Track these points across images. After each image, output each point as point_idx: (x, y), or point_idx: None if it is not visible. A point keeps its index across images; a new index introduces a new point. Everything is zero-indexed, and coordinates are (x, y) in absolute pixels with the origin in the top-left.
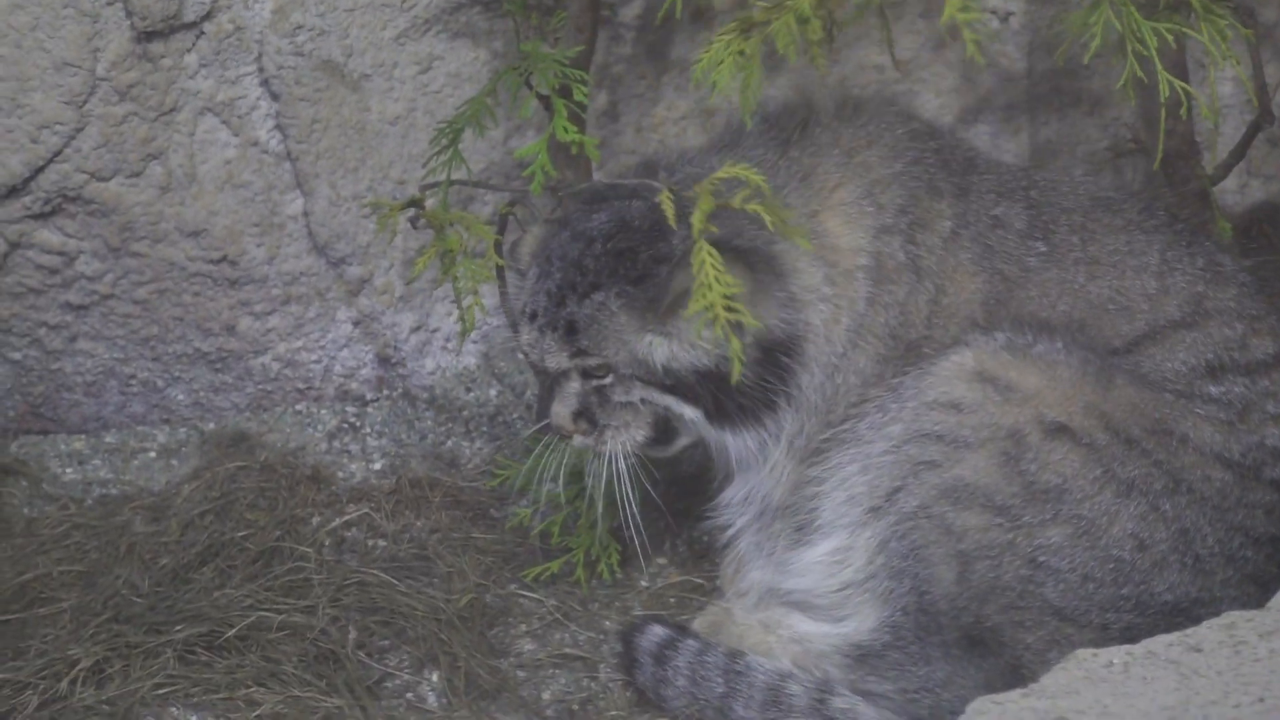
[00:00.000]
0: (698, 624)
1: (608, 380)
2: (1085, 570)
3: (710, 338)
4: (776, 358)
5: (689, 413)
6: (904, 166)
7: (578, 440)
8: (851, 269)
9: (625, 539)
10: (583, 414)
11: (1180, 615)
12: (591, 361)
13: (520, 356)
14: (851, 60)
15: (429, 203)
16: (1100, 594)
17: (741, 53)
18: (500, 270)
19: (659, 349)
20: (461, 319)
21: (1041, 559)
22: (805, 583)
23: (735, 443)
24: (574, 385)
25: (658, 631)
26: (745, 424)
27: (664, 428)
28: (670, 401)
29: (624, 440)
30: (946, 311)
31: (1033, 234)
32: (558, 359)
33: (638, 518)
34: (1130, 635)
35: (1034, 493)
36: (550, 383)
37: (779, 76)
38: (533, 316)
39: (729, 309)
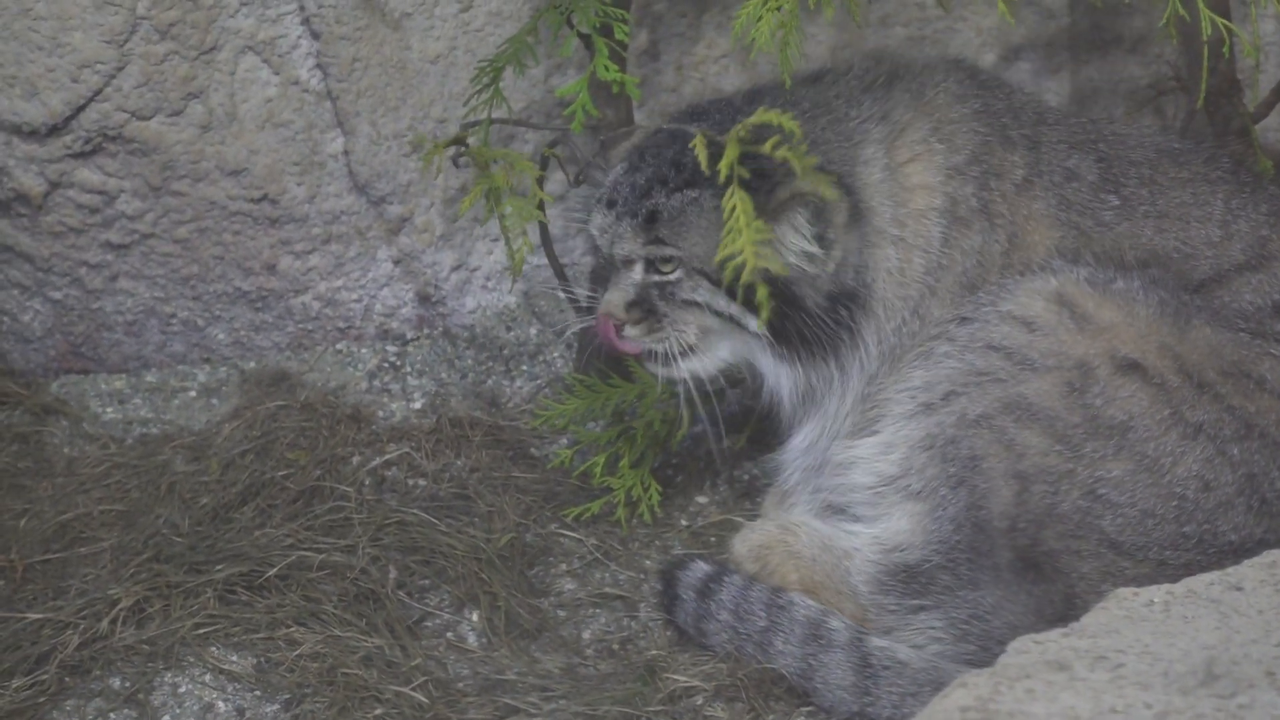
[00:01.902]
0: (737, 546)
1: (673, 276)
2: (1145, 506)
3: (797, 246)
4: (848, 294)
5: (753, 324)
6: (974, 112)
7: (628, 330)
8: (924, 209)
9: (666, 479)
10: (638, 304)
11: (1244, 555)
12: (665, 252)
13: (589, 241)
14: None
15: (470, 142)
16: (1160, 530)
17: (779, 8)
18: (542, 205)
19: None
20: (511, 257)
21: (1101, 491)
22: (845, 480)
23: (790, 379)
24: (635, 276)
25: (702, 567)
26: (806, 357)
27: (719, 340)
28: (735, 310)
29: (677, 337)
30: (1020, 265)
31: (1105, 187)
32: (630, 245)
33: (717, 417)
34: (1190, 573)
35: (1097, 426)
36: (611, 273)
37: (818, 28)
38: (611, 204)
39: (758, 255)
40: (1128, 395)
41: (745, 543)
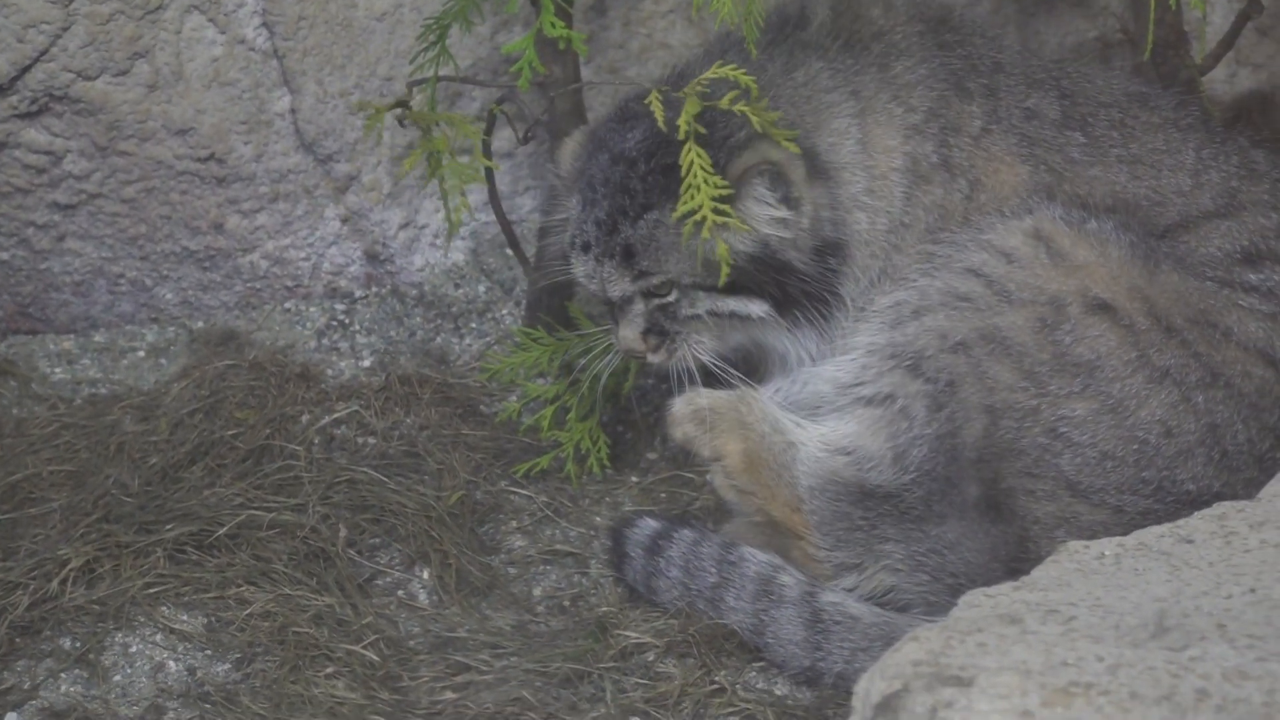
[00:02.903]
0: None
1: (671, 297)
2: (1106, 448)
3: (764, 216)
4: (831, 245)
5: (756, 309)
6: (930, 72)
7: (651, 358)
8: (887, 171)
9: (616, 436)
10: (651, 331)
11: (1200, 507)
12: (655, 280)
13: (582, 288)
14: None
15: (416, 100)
16: (1119, 474)
17: None
18: (489, 171)
19: (717, 245)
20: (448, 219)
21: (1062, 430)
22: (806, 390)
23: (796, 343)
24: (638, 307)
25: (650, 524)
26: (811, 314)
27: (730, 334)
28: (735, 304)
29: (694, 346)
30: (991, 205)
31: (1068, 124)
32: (620, 286)
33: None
34: (1145, 521)
35: (1064, 364)
36: (613, 310)
37: None
38: (586, 247)
39: (718, 212)
40: (1096, 335)
41: (690, 404)
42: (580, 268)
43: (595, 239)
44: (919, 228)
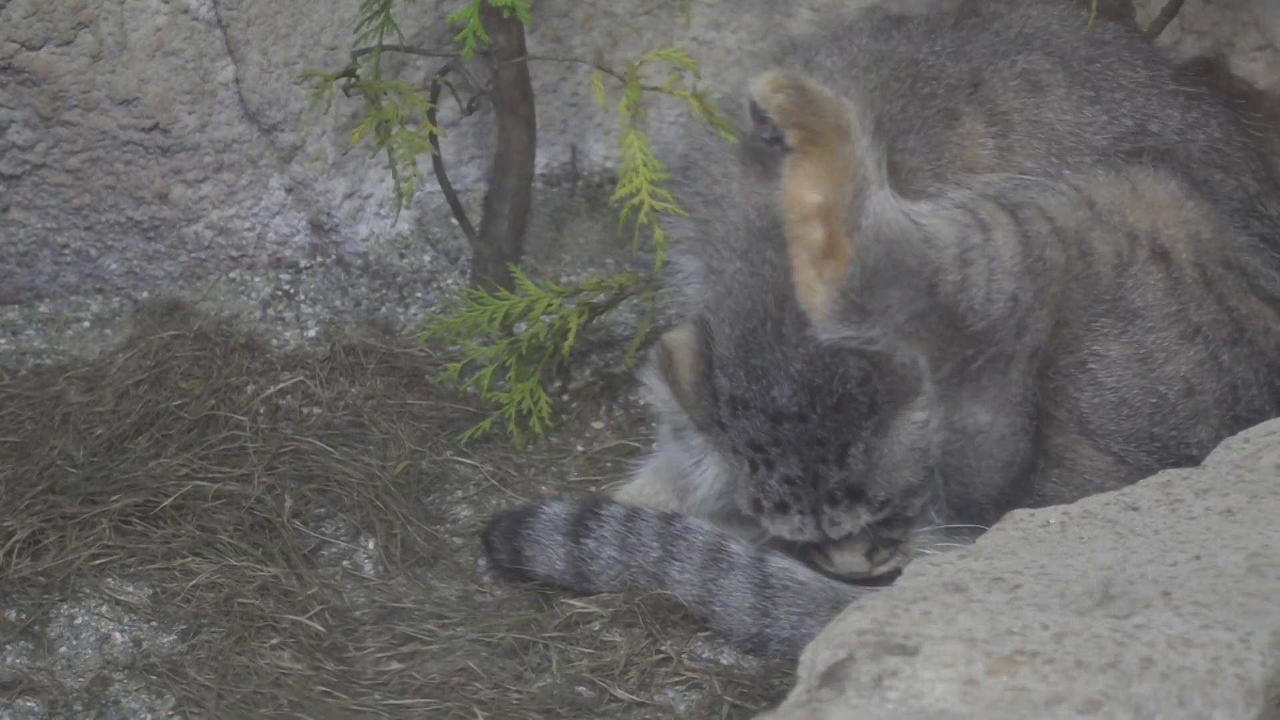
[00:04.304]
0: None
1: (904, 504)
2: (1125, 395)
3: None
4: None
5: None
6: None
7: (879, 570)
8: None
9: (561, 405)
10: (876, 548)
11: None
12: (894, 503)
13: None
14: None
15: (361, 70)
16: (1131, 423)
17: None
18: (434, 138)
19: (928, 426)
20: (398, 189)
21: (1091, 365)
22: None
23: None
24: (861, 541)
25: (561, 508)
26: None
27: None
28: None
29: (926, 535)
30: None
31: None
32: (852, 523)
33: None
34: (1145, 476)
35: (1117, 306)
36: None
37: None
38: (783, 507)
39: (655, 196)
40: (1151, 283)
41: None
42: (782, 527)
43: (794, 495)
44: None
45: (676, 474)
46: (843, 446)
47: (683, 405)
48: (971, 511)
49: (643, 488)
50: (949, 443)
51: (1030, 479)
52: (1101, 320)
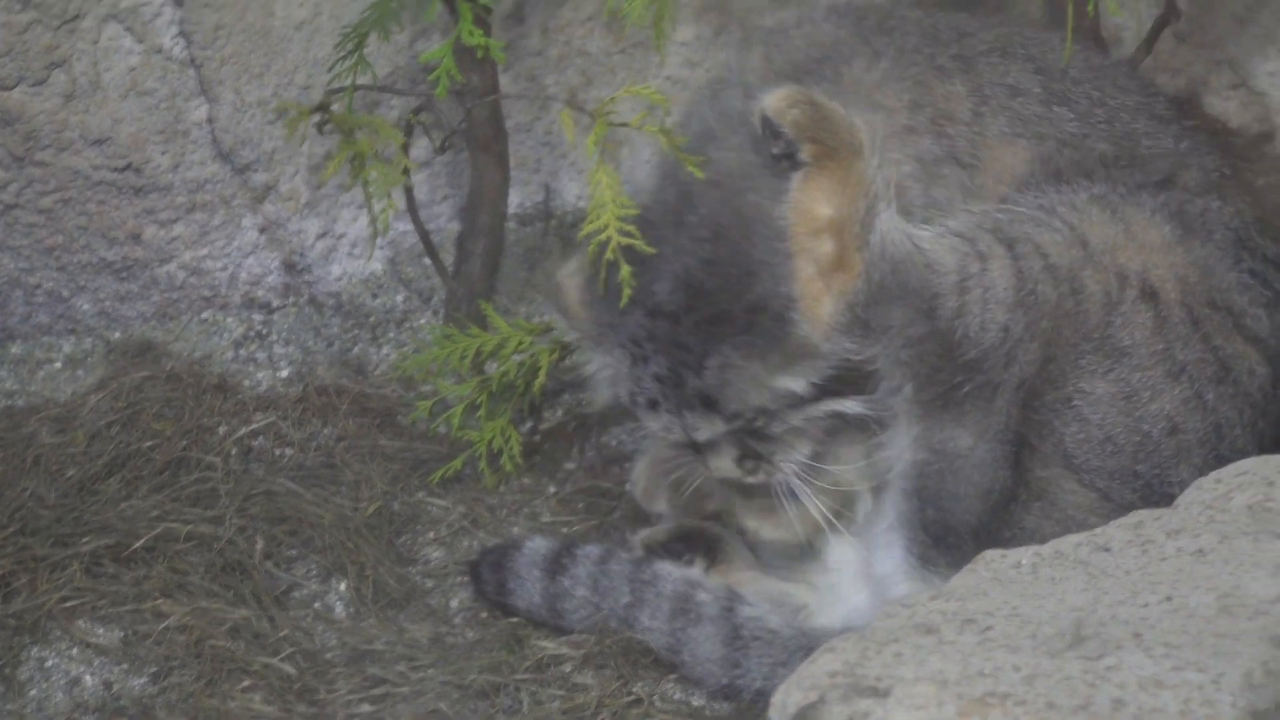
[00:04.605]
0: None
1: (759, 423)
2: (1110, 431)
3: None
4: None
5: (851, 407)
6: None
7: (750, 480)
8: None
9: (533, 446)
10: (745, 456)
11: None
12: (745, 418)
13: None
14: None
15: (334, 108)
16: (1115, 460)
17: None
18: (407, 171)
19: (797, 383)
20: (373, 222)
21: (1077, 401)
22: None
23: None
24: (728, 445)
25: (542, 543)
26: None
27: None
28: (833, 404)
29: (794, 461)
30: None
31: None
32: (708, 431)
33: (828, 516)
34: (1127, 514)
35: (1104, 344)
36: (695, 445)
37: None
38: (653, 404)
39: (624, 232)
40: (1139, 323)
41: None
42: (654, 422)
43: (662, 394)
44: None
45: (665, 470)
46: (702, 355)
47: (575, 327)
48: (949, 540)
49: (638, 482)
50: (927, 464)
51: (1010, 510)
52: (1089, 357)
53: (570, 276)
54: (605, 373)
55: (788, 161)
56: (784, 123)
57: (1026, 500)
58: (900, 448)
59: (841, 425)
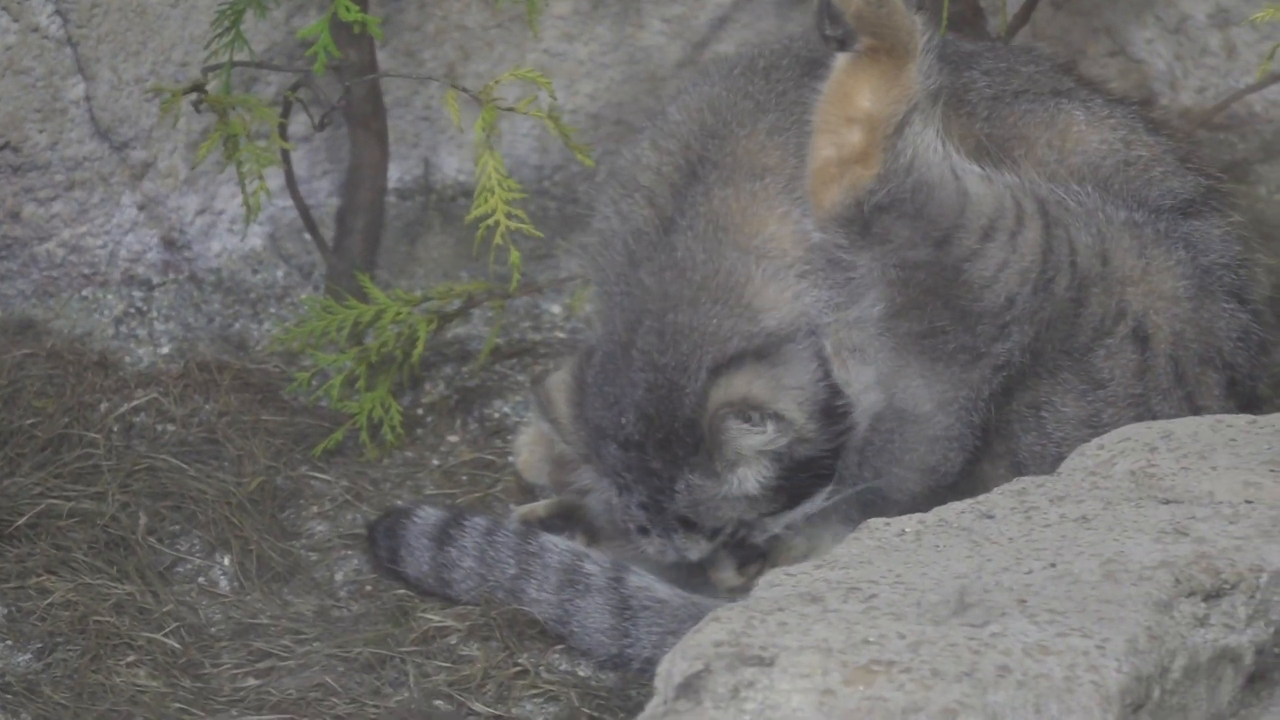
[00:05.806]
0: None
1: (741, 533)
2: (1063, 452)
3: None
4: None
5: (819, 502)
6: None
7: (756, 581)
8: None
9: (416, 420)
10: (746, 562)
11: None
12: (726, 533)
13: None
14: None
15: (211, 85)
16: None
17: None
18: (285, 153)
19: (747, 481)
20: (246, 204)
21: (1044, 413)
22: None
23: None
24: (725, 556)
25: (433, 513)
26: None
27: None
28: (804, 509)
29: (791, 558)
30: None
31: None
32: (698, 549)
33: None
34: None
35: (1085, 367)
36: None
37: None
38: (644, 530)
39: (510, 215)
40: (1123, 362)
41: None
42: (649, 547)
43: (650, 520)
44: None
45: (548, 443)
46: (670, 480)
47: (565, 440)
48: (879, 512)
49: (520, 454)
50: (880, 419)
51: (945, 498)
52: (1068, 374)
53: (559, 389)
54: (600, 495)
55: (835, 45)
56: (847, 11)
57: (962, 493)
58: (864, 385)
59: (820, 518)
